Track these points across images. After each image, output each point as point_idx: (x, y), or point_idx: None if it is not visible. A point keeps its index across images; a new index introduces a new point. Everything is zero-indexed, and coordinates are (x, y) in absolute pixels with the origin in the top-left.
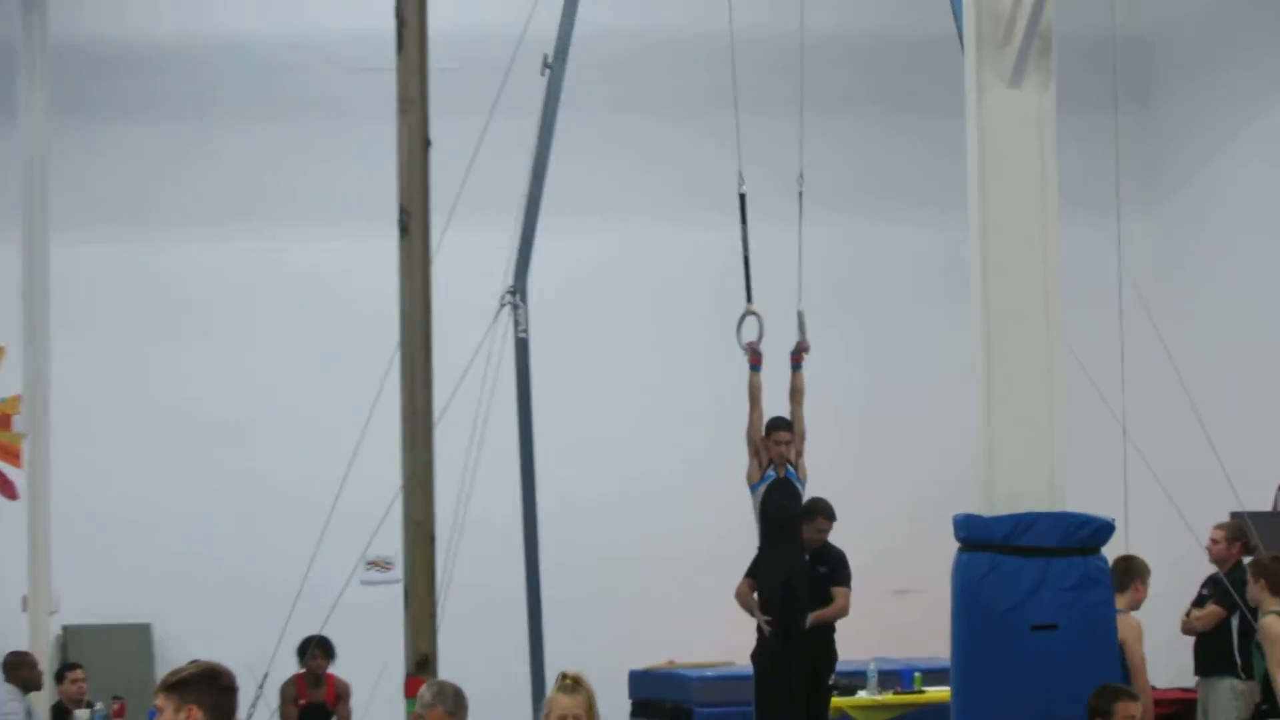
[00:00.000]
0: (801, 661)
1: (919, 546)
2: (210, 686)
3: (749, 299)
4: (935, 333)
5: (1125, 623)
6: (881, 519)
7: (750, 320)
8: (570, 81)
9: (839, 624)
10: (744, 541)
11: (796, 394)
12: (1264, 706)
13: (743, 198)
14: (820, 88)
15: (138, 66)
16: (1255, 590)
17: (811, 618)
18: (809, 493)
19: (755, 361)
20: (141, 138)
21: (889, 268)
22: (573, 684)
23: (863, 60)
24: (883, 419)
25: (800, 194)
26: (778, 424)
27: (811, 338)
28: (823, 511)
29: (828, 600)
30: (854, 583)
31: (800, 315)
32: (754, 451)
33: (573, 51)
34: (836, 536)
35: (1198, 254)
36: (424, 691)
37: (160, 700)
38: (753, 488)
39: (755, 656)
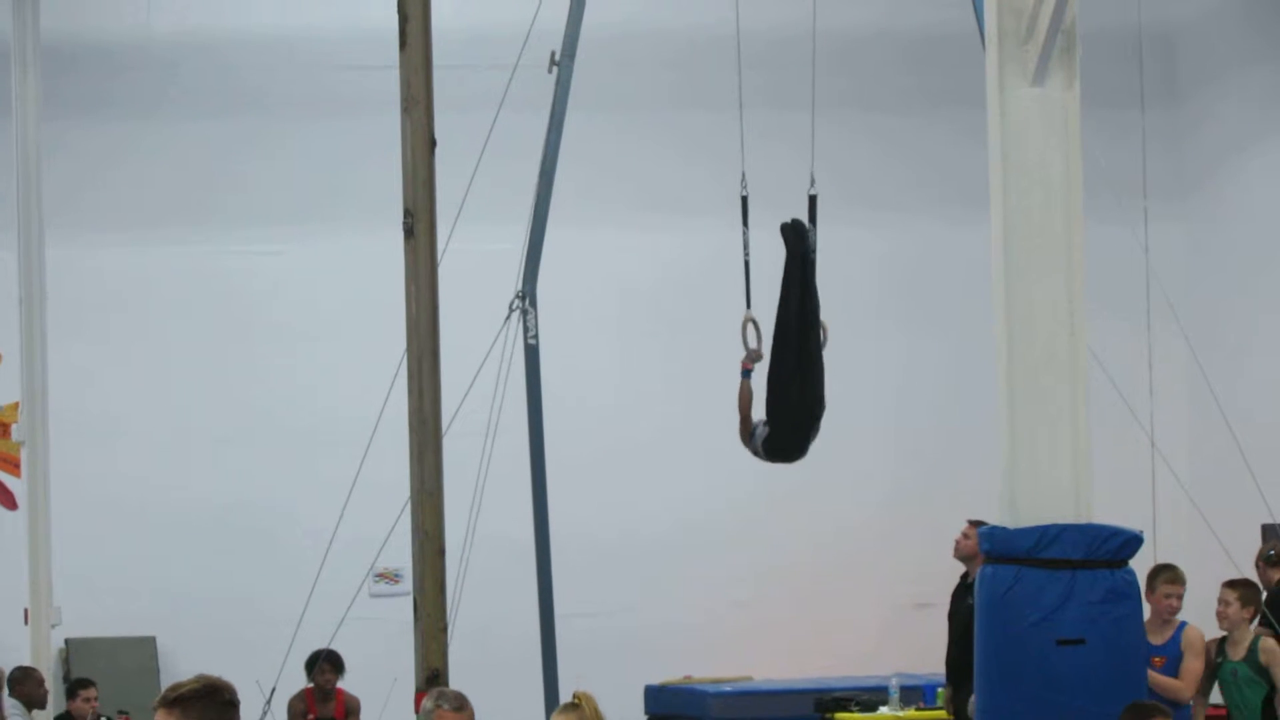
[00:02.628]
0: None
1: (942, 559)
2: (211, 702)
3: (749, 304)
4: (963, 340)
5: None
6: (904, 530)
7: (750, 326)
8: (581, 79)
9: (861, 637)
10: (765, 554)
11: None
12: None
13: (744, 200)
14: (863, 87)
15: (136, 64)
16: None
17: None
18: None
19: (749, 368)
20: (141, 138)
21: (946, 269)
22: (567, 706)
23: (910, 57)
24: (913, 427)
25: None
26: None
27: (864, 342)
28: None
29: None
30: (876, 596)
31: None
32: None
33: (584, 49)
34: (852, 550)
35: (1227, 256)
36: (425, 703)
37: (160, 716)
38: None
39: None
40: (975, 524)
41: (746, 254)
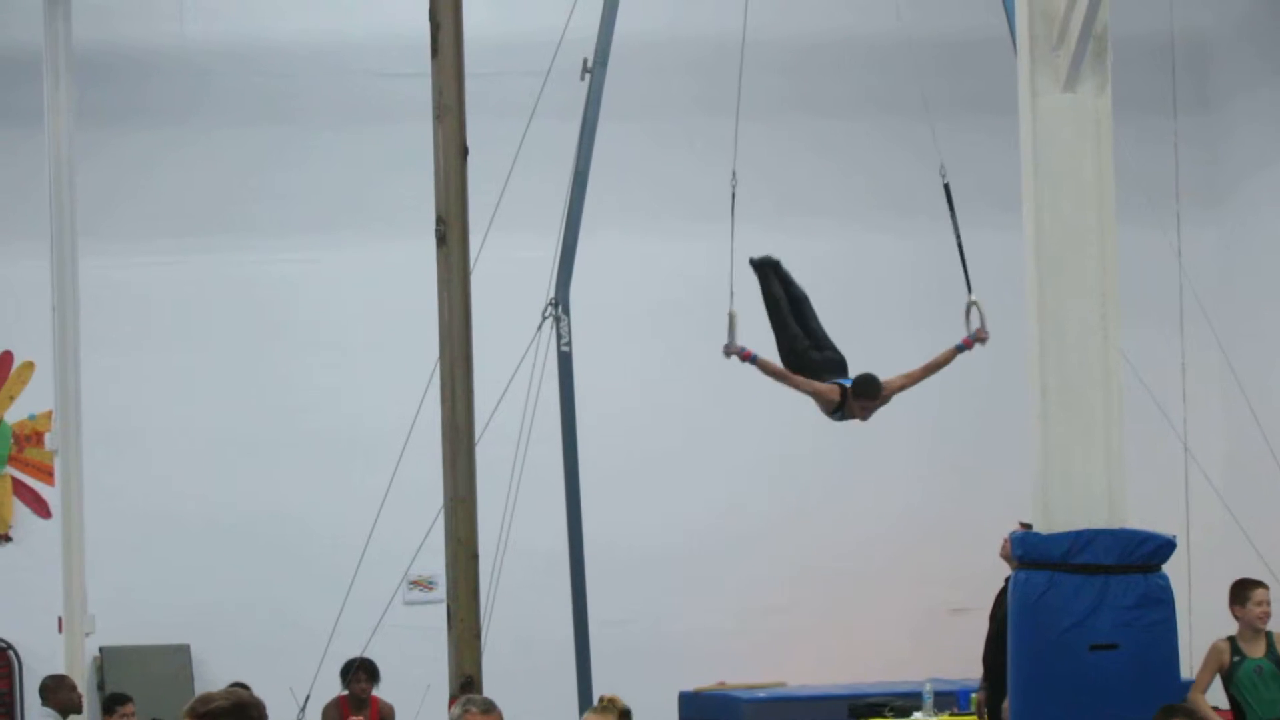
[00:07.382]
0: None
1: (976, 564)
2: (240, 718)
3: (731, 300)
4: (996, 345)
5: None
6: (938, 536)
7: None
8: (614, 86)
9: (895, 643)
10: (798, 560)
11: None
12: None
13: (733, 196)
14: (895, 92)
15: (168, 73)
16: None
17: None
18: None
19: (748, 356)
20: (173, 146)
21: (978, 274)
22: (605, 704)
23: (942, 63)
24: (947, 431)
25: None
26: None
27: (897, 347)
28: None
29: None
30: (910, 601)
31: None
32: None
33: (616, 55)
34: (885, 556)
35: (1260, 260)
36: (453, 710)
37: None
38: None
39: None
40: (1027, 526)
41: (732, 253)
